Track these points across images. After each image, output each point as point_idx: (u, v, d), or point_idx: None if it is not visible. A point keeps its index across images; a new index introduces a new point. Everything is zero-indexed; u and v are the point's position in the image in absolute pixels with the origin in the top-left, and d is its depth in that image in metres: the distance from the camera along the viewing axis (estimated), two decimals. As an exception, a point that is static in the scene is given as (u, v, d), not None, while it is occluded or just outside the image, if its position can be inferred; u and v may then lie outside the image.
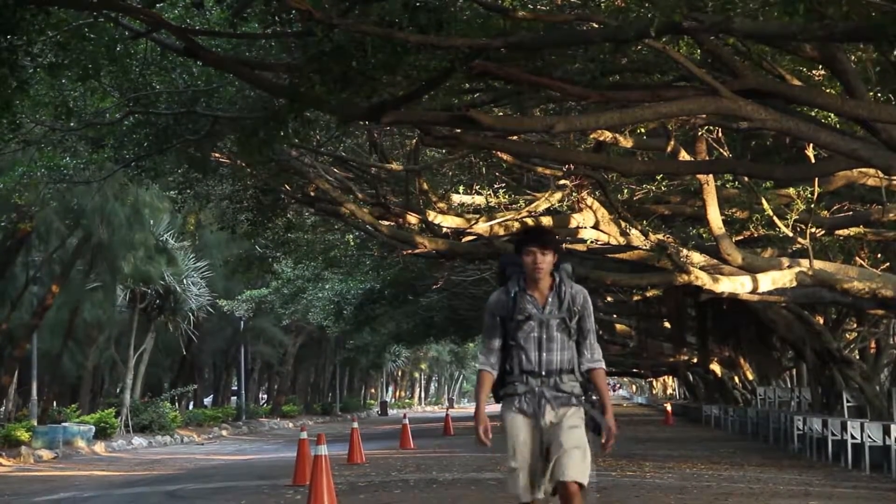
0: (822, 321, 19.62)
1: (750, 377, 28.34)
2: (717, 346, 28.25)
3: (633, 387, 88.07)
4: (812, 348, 19.64)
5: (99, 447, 25.57)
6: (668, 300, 24.14)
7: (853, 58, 10.12)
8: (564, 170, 13.91)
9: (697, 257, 14.14)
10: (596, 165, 12.66)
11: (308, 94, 8.90)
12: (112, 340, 31.80)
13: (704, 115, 10.83)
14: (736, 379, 30.31)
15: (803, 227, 13.64)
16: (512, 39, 8.13)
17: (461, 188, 16.40)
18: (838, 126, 10.50)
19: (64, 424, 25.06)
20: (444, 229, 15.60)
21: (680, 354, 31.62)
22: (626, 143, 12.51)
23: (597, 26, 8.74)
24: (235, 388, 46.15)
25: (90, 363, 31.25)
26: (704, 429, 29.25)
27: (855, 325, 21.41)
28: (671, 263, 13.79)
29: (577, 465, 5.26)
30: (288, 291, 33.01)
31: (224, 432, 35.25)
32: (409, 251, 17.33)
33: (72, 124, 12.78)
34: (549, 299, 5.48)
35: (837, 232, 15.20)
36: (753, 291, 13.55)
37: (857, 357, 20.26)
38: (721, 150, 13.41)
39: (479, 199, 15.73)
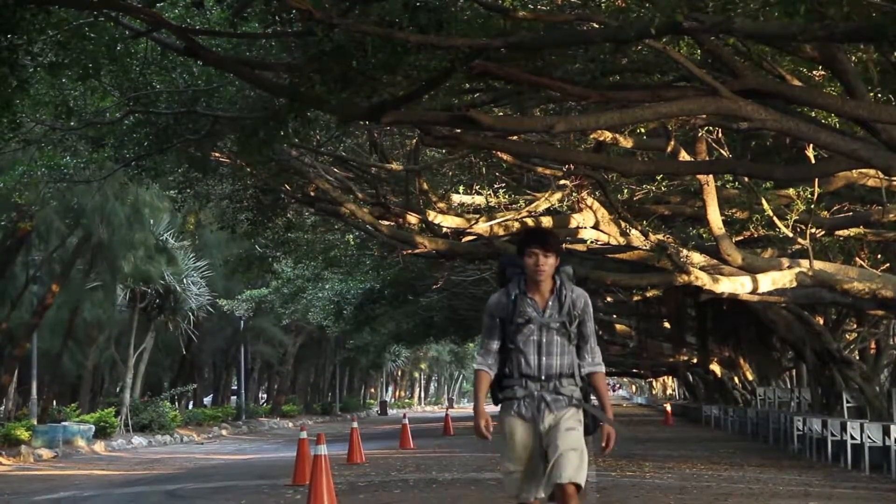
0: (822, 321, 19.62)
1: (750, 377, 28.34)
2: (716, 347, 28.26)
3: (633, 387, 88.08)
4: (812, 349, 19.64)
5: (99, 446, 25.57)
6: (668, 300, 24.14)
7: (853, 58, 10.12)
8: (564, 170, 13.91)
9: (697, 257, 14.14)
10: (596, 165, 12.65)
11: (308, 93, 8.90)
12: (112, 340, 31.80)
13: (704, 116, 10.83)
14: (736, 379, 30.32)
15: (803, 227, 13.64)
16: (512, 39, 8.13)
17: (461, 188, 16.40)
18: (838, 126, 10.50)
19: (64, 424, 25.06)
20: (444, 229, 15.60)
21: (680, 354, 31.64)
22: (626, 143, 12.50)
23: (597, 26, 8.74)
24: (235, 387, 46.14)
25: (90, 362, 31.25)
26: (704, 429, 29.26)
27: (855, 326, 21.41)
28: (671, 263, 13.79)
29: (574, 466, 5.23)
30: (288, 291, 33.00)
31: (224, 432, 35.25)
32: (409, 251, 17.34)
33: (72, 123, 12.77)
34: (550, 303, 5.42)
35: (837, 232, 15.20)
36: (753, 292, 13.55)
37: (857, 357, 20.25)
38: (721, 150, 13.41)
39: (479, 199, 15.73)
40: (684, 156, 12.56)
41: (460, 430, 28.47)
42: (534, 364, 5.39)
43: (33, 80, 10.32)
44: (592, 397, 5.52)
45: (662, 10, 7.61)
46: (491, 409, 5.54)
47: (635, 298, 24.86)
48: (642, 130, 12.48)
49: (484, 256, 17.71)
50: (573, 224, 14.32)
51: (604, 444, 5.40)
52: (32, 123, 13.14)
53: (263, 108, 10.93)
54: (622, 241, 14.38)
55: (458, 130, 10.27)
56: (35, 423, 24.80)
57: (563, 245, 14.42)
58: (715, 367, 30.45)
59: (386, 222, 16.47)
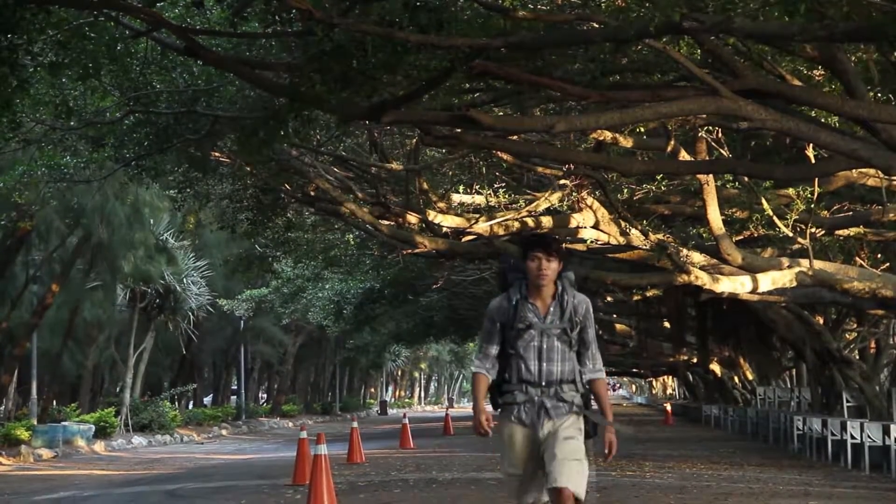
0: (822, 321, 19.63)
1: (750, 377, 28.35)
2: (716, 346, 28.27)
3: (633, 387, 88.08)
4: (812, 348, 19.64)
5: (99, 446, 25.57)
6: (668, 300, 24.15)
7: (853, 58, 10.12)
8: (564, 170, 13.91)
9: (697, 257, 14.14)
10: (596, 165, 12.65)
11: (308, 93, 8.91)
12: (112, 340, 31.80)
13: (704, 115, 10.83)
14: (736, 379, 30.32)
15: (803, 227, 13.64)
16: (512, 39, 8.13)
17: (461, 188, 16.40)
18: (838, 126, 10.50)
19: (64, 423, 25.06)
20: (444, 229, 15.60)
21: (680, 354, 31.63)
22: (626, 143, 12.50)
23: (597, 26, 8.74)
24: (235, 387, 46.14)
25: (90, 362, 31.24)
26: (704, 429, 29.26)
27: (855, 326, 21.42)
28: (671, 263, 13.79)
29: (572, 474, 5.19)
30: (288, 291, 32.99)
31: (224, 431, 35.24)
32: (409, 251, 17.34)
33: (72, 123, 12.77)
34: (551, 308, 5.37)
35: (837, 232, 15.20)
36: (753, 291, 13.55)
37: (857, 357, 20.27)
38: (721, 150, 13.40)
39: (479, 199, 15.73)
40: (684, 155, 12.56)
41: (460, 430, 28.46)
42: (534, 370, 5.35)
43: (33, 80, 10.32)
44: (593, 403, 5.49)
45: (662, 9, 7.62)
46: (491, 410, 5.52)
47: (635, 298, 24.82)
48: (642, 130, 12.48)
49: (484, 256, 17.72)
50: (573, 224, 14.32)
51: (606, 452, 5.38)
52: (32, 123, 13.13)
53: (263, 107, 10.94)
54: (622, 240, 14.38)
55: (458, 130, 10.27)
56: (35, 422, 24.80)
57: (564, 245, 14.44)
58: (715, 367, 30.45)
59: (386, 222, 16.47)
